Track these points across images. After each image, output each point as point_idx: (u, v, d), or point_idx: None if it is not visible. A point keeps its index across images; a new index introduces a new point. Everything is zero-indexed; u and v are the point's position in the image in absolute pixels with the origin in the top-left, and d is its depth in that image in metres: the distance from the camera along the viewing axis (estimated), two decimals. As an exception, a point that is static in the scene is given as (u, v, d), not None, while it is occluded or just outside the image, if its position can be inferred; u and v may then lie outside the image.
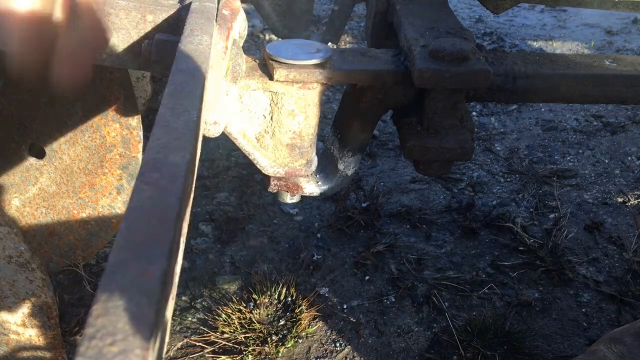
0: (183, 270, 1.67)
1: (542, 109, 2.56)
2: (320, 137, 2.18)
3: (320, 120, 1.04)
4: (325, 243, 1.79)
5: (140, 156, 1.36)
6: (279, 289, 1.59)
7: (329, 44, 1.63)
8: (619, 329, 0.75)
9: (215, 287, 1.64)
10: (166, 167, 0.46)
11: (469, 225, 1.86)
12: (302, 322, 1.51)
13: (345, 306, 1.58)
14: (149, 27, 0.86)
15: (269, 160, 1.02)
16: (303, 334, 1.49)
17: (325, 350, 1.46)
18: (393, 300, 1.60)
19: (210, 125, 0.88)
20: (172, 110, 0.53)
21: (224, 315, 1.52)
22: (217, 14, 0.83)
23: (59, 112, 1.33)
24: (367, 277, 1.67)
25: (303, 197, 1.90)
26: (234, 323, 1.49)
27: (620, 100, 1.18)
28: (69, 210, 1.40)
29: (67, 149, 1.35)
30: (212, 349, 1.45)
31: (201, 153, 0.79)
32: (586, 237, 1.85)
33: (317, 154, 1.11)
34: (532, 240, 1.79)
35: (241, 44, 0.94)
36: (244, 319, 1.51)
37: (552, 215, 1.93)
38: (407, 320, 1.55)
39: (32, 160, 1.37)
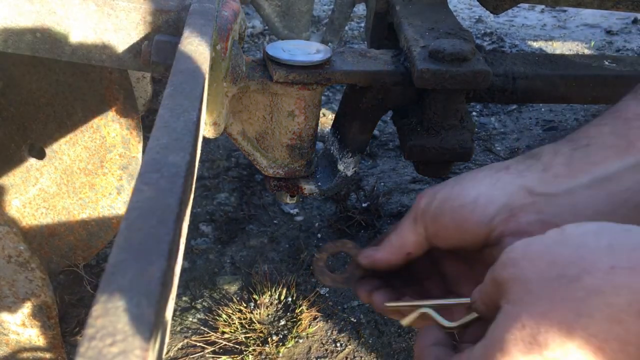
0: (183, 270, 1.67)
1: (543, 109, 2.56)
2: (320, 137, 2.18)
3: (319, 120, 1.04)
4: (325, 243, 1.79)
5: (140, 156, 1.36)
6: (280, 289, 1.59)
7: (329, 44, 1.63)
8: None
9: (215, 287, 1.64)
10: (166, 168, 0.46)
11: (469, 226, 1.86)
12: (303, 322, 1.51)
13: (345, 306, 1.58)
14: (149, 28, 0.86)
15: (269, 160, 1.02)
16: (303, 334, 1.50)
17: (326, 350, 1.46)
18: (393, 300, 1.61)
19: (210, 125, 0.88)
20: (172, 111, 0.54)
21: (224, 316, 1.52)
22: (216, 15, 0.83)
23: (59, 112, 1.33)
24: (367, 278, 1.67)
25: (303, 198, 1.90)
26: (235, 323, 1.50)
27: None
28: (69, 211, 1.40)
29: (67, 150, 1.35)
30: (212, 349, 1.45)
31: (201, 153, 0.79)
32: (586, 237, 1.85)
33: (317, 154, 1.11)
34: (532, 241, 1.79)
35: (241, 45, 0.95)
36: (244, 319, 1.51)
37: (552, 216, 1.93)
38: (407, 320, 1.55)
39: (32, 160, 1.37)
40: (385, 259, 0.69)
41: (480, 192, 0.60)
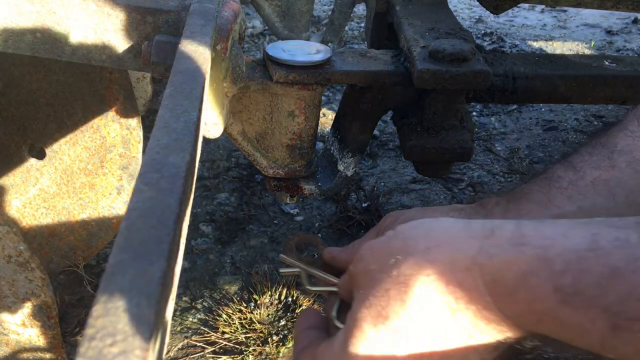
0: (184, 270, 1.67)
1: (543, 109, 2.56)
2: (320, 137, 2.18)
3: (319, 120, 1.04)
4: (326, 243, 1.79)
5: (140, 156, 1.36)
6: (280, 289, 1.59)
7: (329, 44, 1.63)
8: None
9: (215, 287, 1.64)
10: (166, 168, 0.46)
11: (469, 226, 1.86)
12: (303, 322, 1.51)
13: (345, 306, 1.58)
14: (149, 28, 0.86)
15: (269, 161, 1.02)
16: (303, 334, 1.50)
17: (326, 350, 1.46)
18: (393, 300, 1.60)
19: (211, 126, 0.88)
20: (172, 111, 0.54)
21: (224, 316, 1.52)
22: (216, 15, 0.83)
23: (59, 112, 1.33)
24: (367, 278, 1.67)
25: (303, 198, 1.90)
26: (235, 323, 1.50)
27: (620, 101, 1.18)
28: (69, 211, 1.40)
29: (67, 150, 1.35)
30: (212, 349, 1.45)
31: (201, 154, 0.79)
32: (586, 237, 1.85)
33: (317, 154, 1.11)
34: (532, 241, 1.79)
35: (241, 45, 0.95)
36: (244, 319, 1.51)
37: (552, 216, 1.93)
38: (407, 320, 1.55)
39: (32, 160, 1.37)
40: (344, 259, 0.80)
41: None
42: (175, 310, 1.57)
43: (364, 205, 1.92)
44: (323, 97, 2.28)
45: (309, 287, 0.76)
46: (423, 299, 0.52)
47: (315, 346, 0.64)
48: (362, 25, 3.31)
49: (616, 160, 0.65)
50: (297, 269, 0.80)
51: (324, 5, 3.57)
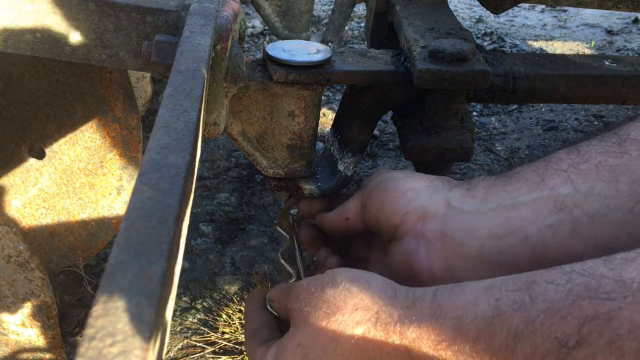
0: (183, 270, 1.67)
1: (543, 109, 2.56)
2: (320, 137, 2.18)
3: (319, 120, 1.04)
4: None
5: (140, 156, 1.36)
6: (279, 289, 1.59)
7: (329, 44, 1.63)
8: None
9: (215, 287, 1.64)
10: (166, 168, 0.46)
11: (469, 226, 1.85)
12: (303, 322, 1.51)
13: (345, 306, 1.58)
14: (148, 28, 0.86)
15: (269, 161, 1.02)
16: (303, 334, 1.49)
17: (326, 350, 1.46)
18: (393, 300, 1.60)
19: (210, 126, 0.88)
20: (172, 111, 0.54)
21: (224, 316, 1.52)
22: (216, 15, 0.83)
23: (59, 112, 1.33)
24: (367, 278, 1.67)
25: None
26: (235, 323, 1.50)
27: (620, 101, 1.18)
28: (69, 211, 1.40)
29: (67, 150, 1.35)
30: (212, 349, 1.45)
31: (201, 154, 0.79)
32: (586, 237, 1.85)
33: (317, 154, 1.11)
34: (532, 241, 1.79)
35: (241, 45, 0.94)
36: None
37: (552, 216, 1.92)
38: (408, 320, 1.55)
39: (32, 160, 1.37)
40: (330, 218, 0.85)
41: (413, 187, 0.71)
42: (175, 310, 1.57)
43: (364, 205, 1.92)
44: (323, 97, 2.28)
45: (279, 257, 0.89)
46: (346, 355, 0.57)
47: (264, 339, 0.72)
48: (362, 25, 3.30)
49: (627, 147, 0.61)
50: (288, 238, 0.90)
51: (324, 5, 3.56)
